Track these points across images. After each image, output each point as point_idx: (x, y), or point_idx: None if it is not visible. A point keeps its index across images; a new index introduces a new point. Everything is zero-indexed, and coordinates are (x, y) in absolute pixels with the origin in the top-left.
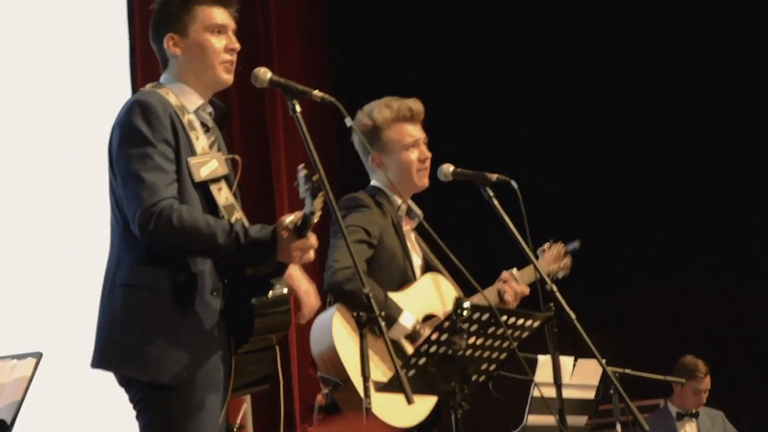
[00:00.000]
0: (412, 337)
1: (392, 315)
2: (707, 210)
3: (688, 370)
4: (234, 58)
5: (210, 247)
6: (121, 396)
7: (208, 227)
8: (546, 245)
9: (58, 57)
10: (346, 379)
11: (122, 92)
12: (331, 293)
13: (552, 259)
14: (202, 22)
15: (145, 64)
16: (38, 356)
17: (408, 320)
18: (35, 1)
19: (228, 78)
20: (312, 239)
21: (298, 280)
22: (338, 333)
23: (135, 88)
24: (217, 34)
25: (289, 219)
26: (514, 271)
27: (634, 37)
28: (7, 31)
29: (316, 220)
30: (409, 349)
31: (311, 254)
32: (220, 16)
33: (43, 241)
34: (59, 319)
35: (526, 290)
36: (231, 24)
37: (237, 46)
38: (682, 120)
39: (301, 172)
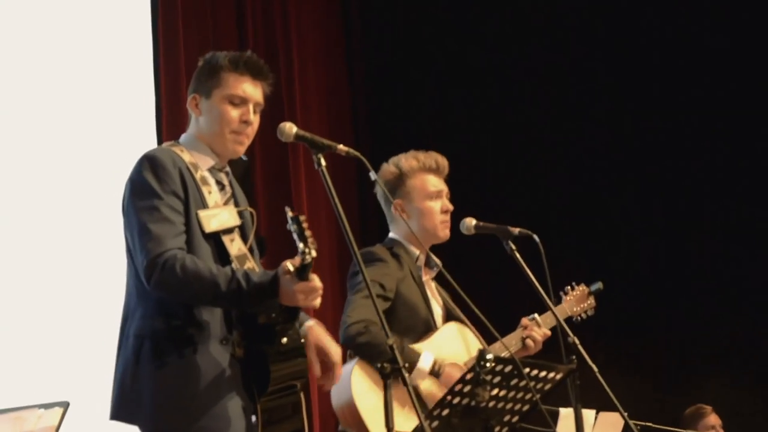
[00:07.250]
0: (434, 373)
1: (411, 360)
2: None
3: (694, 414)
4: (247, 130)
5: (213, 294)
6: None
7: (211, 275)
8: (568, 288)
9: (85, 109)
10: None
11: (148, 144)
12: (347, 347)
13: (576, 300)
14: (225, 90)
15: (171, 115)
16: (65, 405)
17: (427, 361)
18: (62, 47)
19: (237, 149)
20: (315, 282)
21: (327, 343)
22: (357, 386)
23: (161, 141)
24: (236, 106)
25: (289, 262)
26: (536, 315)
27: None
28: (33, 86)
29: (309, 260)
30: (433, 386)
31: (317, 298)
32: (247, 88)
33: (71, 290)
34: (86, 368)
35: (549, 333)
36: (256, 97)
37: (251, 119)
38: (708, 177)
39: (289, 214)
